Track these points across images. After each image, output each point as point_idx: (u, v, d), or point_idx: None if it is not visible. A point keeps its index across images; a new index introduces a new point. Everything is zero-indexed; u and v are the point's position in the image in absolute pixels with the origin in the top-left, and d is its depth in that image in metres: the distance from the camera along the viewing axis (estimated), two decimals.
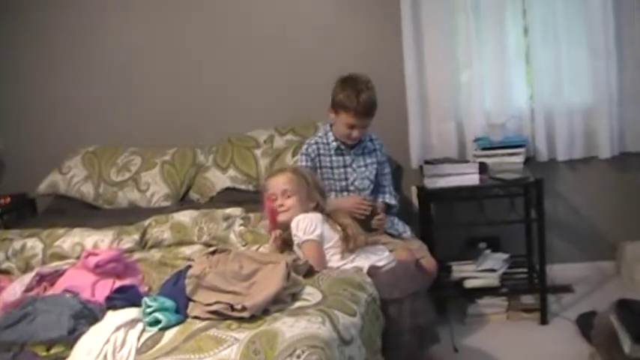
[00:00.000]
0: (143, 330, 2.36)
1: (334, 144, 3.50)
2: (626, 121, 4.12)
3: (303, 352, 2.14)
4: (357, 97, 3.32)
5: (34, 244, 3.42)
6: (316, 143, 3.53)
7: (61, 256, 3.33)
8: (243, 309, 2.33)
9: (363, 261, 2.94)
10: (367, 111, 3.36)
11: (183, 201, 4.23)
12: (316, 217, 2.99)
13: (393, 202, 3.58)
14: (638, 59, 4.03)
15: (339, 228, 2.99)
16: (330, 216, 3.05)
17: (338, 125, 3.45)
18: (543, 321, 3.78)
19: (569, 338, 3.58)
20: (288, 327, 2.25)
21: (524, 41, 4.16)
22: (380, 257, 3.00)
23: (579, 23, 4.06)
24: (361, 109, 3.33)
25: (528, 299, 3.90)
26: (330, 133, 3.53)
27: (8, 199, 4.56)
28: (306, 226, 2.94)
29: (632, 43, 4.03)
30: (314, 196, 3.07)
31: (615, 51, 4.02)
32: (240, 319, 2.33)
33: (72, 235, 3.46)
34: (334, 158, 3.50)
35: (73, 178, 4.38)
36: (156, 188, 4.21)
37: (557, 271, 4.23)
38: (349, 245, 2.94)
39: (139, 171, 4.29)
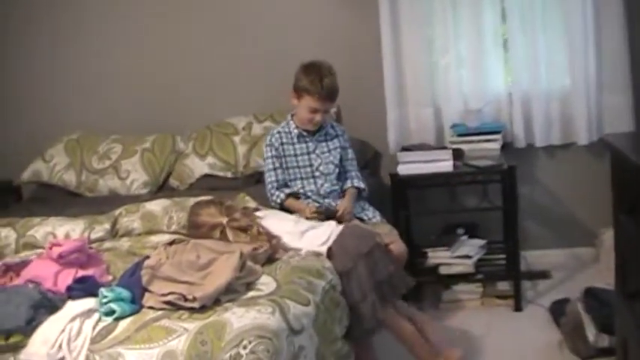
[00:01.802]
0: (99, 320, 2.39)
1: (295, 131, 3.55)
2: (604, 107, 4.09)
3: (250, 342, 2.17)
4: (320, 82, 3.38)
5: (7, 234, 3.44)
6: (278, 133, 3.57)
7: (34, 246, 3.35)
8: (194, 299, 2.35)
9: (315, 239, 3.01)
10: (330, 95, 3.43)
11: (163, 188, 4.26)
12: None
13: (362, 185, 3.60)
14: (616, 45, 3.98)
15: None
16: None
17: (300, 111, 3.50)
18: (517, 307, 3.78)
19: (541, 325, 3.58)
20: (237, 317, 2.27)
21: (502, 27, 4.14)
22: (328, 232, 3.05)
23: (557, 8, 4.04)
24: (325, 93, 3.39)
25: (504, 285, 3.90)
26: (291, 122, 3.57)
27: None
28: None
29: (610, 28, 3.98)
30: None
31: (593, 37, 3.99)
32: (192, 310, 2.35)
33: (45, 224, 3.48)
34: (297, 146, 3.54)
35: (56, 166, 4.41)
36: (135, 176, 4.24)
37: (535, 258, 4.24)
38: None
39: (119, 159, 4.31)
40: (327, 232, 3.04)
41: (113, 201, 3.95)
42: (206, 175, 4.19)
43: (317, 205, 3.45)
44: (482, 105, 4.08)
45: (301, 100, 3.45)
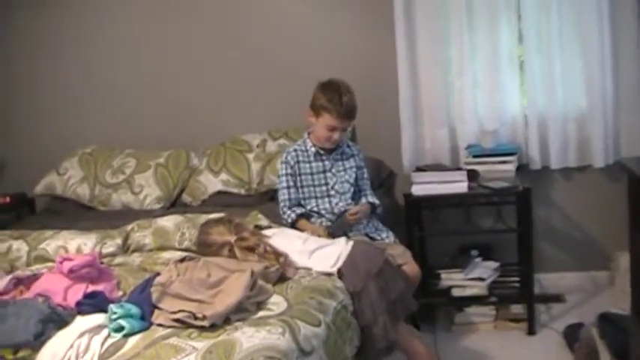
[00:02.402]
0: (108, 336, 2.37)
1: (312, 149, 3.53)
2: (620, 130, 4.06)
3: None
4: (339, 100, 3.37)
5: (19, 246, 3.43)
6: (295, 151, 3.56)
7: (45, 259, 3.35)
8: (204, 318, 2.33)
9: (325, 259, 2.97)
10: (349, 114, 3.42)
11: (175, 204, 4.26)
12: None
13: (376, 201, 3.59)
14: (633, 67, 3.97)
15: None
16: None
17: (318, 129, 3.47)
18: (531, 331, 3.74)
19: (555, 350, 3.54)
20: (247, 337, 2.24)
21: (518, 47, 4.12)
22: (338, 251, 3.00)
23: (574, 29, 4.02)
24: (344, 111, 3.38)
25: (518, 309, 3.87)
26: (307, 140, 3.55)
27: (7, 199, 4.60)
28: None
29: (627, 50, 3.97)
30: None
31: (610, 58, 3.97)
32: (202, 328, 2.33)
33: (57, 237, 3.47)
34: (313, 164, 3.52)
35: (70, 179, 4.43)
36: (149, 191, 4.24)
37: (550, 280, 4.21)
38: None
39: (133, 173, 4.32)
40: (336, 252, 3.00)
41: (126, 216, 3.94)
42: (219, 192, 4.17)
43: (328, 225, 3.43)
44: (497, 126, 4.06)
45: (319, 118, 3.43)
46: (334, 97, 3.39)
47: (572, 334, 3.51)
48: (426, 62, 4.16)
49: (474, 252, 4.06)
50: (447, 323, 3.90)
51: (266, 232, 3.17)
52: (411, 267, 3.32)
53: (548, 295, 4.12)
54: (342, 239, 3.13)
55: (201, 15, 4.50)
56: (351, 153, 3.60)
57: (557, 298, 4.12)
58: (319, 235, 3.28)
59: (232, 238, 2.94)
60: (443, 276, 3.88)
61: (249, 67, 4.49)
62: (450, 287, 3.86)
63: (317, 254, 3.00)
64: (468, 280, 3.84)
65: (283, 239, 3.10)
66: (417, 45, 4.16)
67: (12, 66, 4.78)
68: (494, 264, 3.98)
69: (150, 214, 3.84)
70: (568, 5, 3.98)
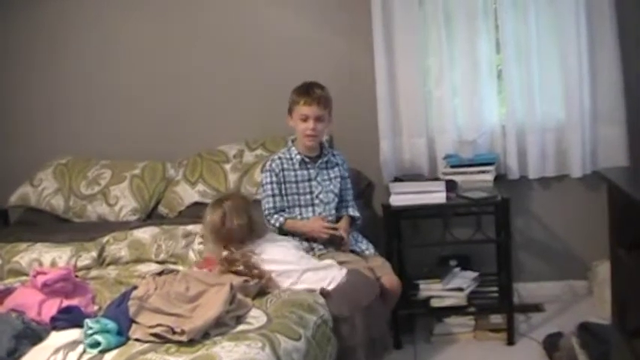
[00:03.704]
0: (83, 352, 2.33)
1: (298, 157, 3.50)
2: (598, 140, 4.06)
3: None
4: (307, 90, 3.43)
5: None
6: (279, 158, 3.52)
7: (19, 272, 3.31)
8: (182, 332, 2.29)
9: (312, 283, 2.91)
10: (318, 100, 3.41)
11: (151, 215, 4.20)
12: None
13: (356, 214, 3.57)
14: (611, 78, 3.97)
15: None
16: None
17: (296, 127, 3.48)
18: (510, 341, 3.72)
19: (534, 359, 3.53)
20: (227, 352, 2.22)
21: (497, 58, 4.13)
22: (329, 277, 2.96)
23: (552, 40, 4.02)
24: (311, 98, 3.40)
25: (497, 318, 3.84)
26: (292, 148, 3.53)
27: None
28: None
29: (605, 61, 3.97)
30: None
31: (588, 69, 3.98)
32: (180, 343, 2.29)
33: (31, 251, 3.42)
34: (298, 172, 3.49)
35: (44, 190, 4.36)
36: (124, 202, 4.18)
37: (529, 290, 4.21)
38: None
39: (108, 184, 4.26)
40: (328, 277, 2.97)
41: (101, 227, 3.91)
42: (196, 203, 4.11)
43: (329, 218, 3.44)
44: (476, 136, 4.05)
45: (293, 114, 3.46)
46: (302, 88, 3.45)
47: (551, 344, 3.51)
48: (405, 72, 4.14)
49: (453, 262, 4.05)
50: (427, 334, 3.88)
51: (261, 240, 3.10)
52: (390, 279, 3.30)
53: (527, 305, 4.11)
54: (335, 265, 3.09)
55: (179, 26, 4.47)
56: (336, 162, 3.58)
57: (536, 308, 4.11)
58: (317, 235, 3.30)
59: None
60: (422, 286, 3.85)
61: (226, 78, 4.45)
62: (429, 298, 3.83)
63: (308, 275, 2.96)
64: (446, 290, 3.82)
65: (279, 248, 3.07)
66: (396, 55, 4.14)
67: None
68: (472, 274, 3.96)
69: (126, 226, 3.79)
70: (546, 15, 3.99)
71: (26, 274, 3.23)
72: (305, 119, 3.42)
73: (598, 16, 3.94)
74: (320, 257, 3.23)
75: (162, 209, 4.22)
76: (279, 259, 2.98)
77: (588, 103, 4.02)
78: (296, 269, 2.96)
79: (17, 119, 4.74)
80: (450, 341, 3.82)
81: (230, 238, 2.99)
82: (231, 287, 2.51)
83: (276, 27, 4.38)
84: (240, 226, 3.00)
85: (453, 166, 4.00)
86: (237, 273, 2.80)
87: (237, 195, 3.14)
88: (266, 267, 2.93)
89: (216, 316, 2.36)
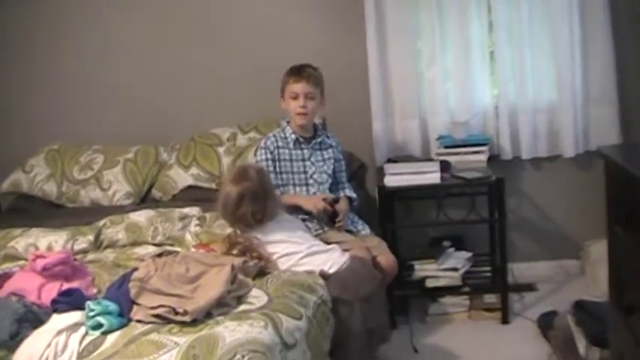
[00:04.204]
0: (85, 334, 2.33)
1: (292, 136, 3.52)
2: (590, 120, 4.10)
3: (243, 356, 2.11)
4: (298, 69, 3.49)
5: None
6: (274, 136, 3.55)
7: (14, 257, 3.28)
8: (185, 313, 2.30)
9: (313, 266, 2.92)
10: (308, 77, 3.46)
11: (145, 199, 4.20)
12: None
13: (353, 195, 3.60)
14: (602, 58, 4.00)
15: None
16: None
17: (288, 107, 3.52)
18: (504, 320, 3.76)
19: (529, 338, 3.56)
20: (230, 331, 2.22)
21: (489, 39, 4.14)
22: (331, 261, 2.97)
23: (544, 21, 4.04)
24: (301, 76, 3.46)
25: (491, 298, 3.88)
26: (287, 128, 3.55)
27: None
28: None
29: (597, 41, 4.00)
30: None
31: (579, 49, 4.01)
32: (183, 324, 2.30)
33: (27, 235, 3.41)
34: (293, 152, 3.51)
35: (36, 176, 4.33)
36: (118, 187, 4.17)
37: (521, 270, 4.24)
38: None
39: (101, 169, 4.24)
40: (330, 260, 2.98)
41: (95, 212, 3.89)
42: (190, 187, 4.12)
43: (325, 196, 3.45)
44: (469, 117, 4.07)
45: (284, 94, 3.50)
46: (293, 69, 3.50)
47: (546, 323, 3.55)
48: (397, 54, 4.16)
49: (446, 243, 4.08)
50: (421, 314, 3.90)
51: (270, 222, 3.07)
52: (387, 258, 3.32)
53: (520, 285, 4.15)
54: (338, 249, 3.09)
55: (172, 11, 4.44)
56: (330, 144, 3.61)
57: (530, 287, 4.16)
58: (313, 210, 3.32)
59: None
60: (416, 267, 3.88)
61: (218, 61, 4.43)
62: (424, 278, 3.86)
63: (311, 258, 2.97)
64: (441, 270, 3.85)
65: (285, 231, 3.06)
66: (387, 36, 4.15)
67: None
68: (466, 254, 3.99)
69: (120, 210, 3.78)
70: None
71: (22, 259, 3.23)
72: (295, 97, 3.46)
73: None
74: (317, 237, 3.24)
75: (155, 193, 4.21)
76: (284, 239, 2.99)
77: (580, 83, 4.05)
78: (299, 250, 2.97)
79: (5, 106, 4.70)
80: (445, 321, 3.85)
81: (239, 220, 3.00)
82: (232, 267, 2.52)
83: (267, 10, 4.37)
84: (252, 213, 2.99)
85: (446, 147, 4.02)
86: (236, 255, 2.81)
87: (260, 178, 3.08)
88: (270, 248, 2.94)
89: (218, 296, 2.37)
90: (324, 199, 3.40)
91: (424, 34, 4.16)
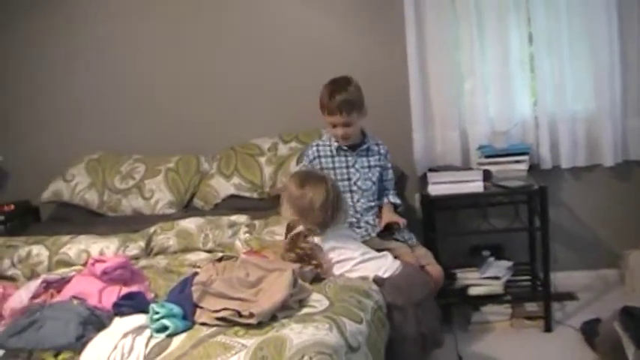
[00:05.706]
0: (150, 336, 2.36)
1: (335, 144, 3.56)
2: (629, 129, 4.13)
3: (311, 358, 2.14)
4: (329, 96, 3.44)
5: (39, 251, 3.41)
6: (317, 145, 3.60)
7: (67, 263, 3.33)
8: (251, 315, 2.33)
9: (368, 272, 2.95)
10: (341, 108, 3.43)
11: (187, 208, 4.24)
12: None
13: (398, 200, 3.64)
14: None
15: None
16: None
17: (328, 125, 3.56)
18: (547, 328, 3.78)
19: (573, 346, 3.57)
20: (296, 333, 2.25)
21: (528, 49, 4.17)
22: (385, 267, 3.00)
23: (583, 32, 4.07)
24: (334, 106, 3.43)
25: (532, 307, 3.89)
26: (331, 137, 3.59)
27: (12, 207, 4.56)
28: None
29: (635, 52, 4.04)
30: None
31: (618, 60, 4.04)
32: (248, 326, 2.33)
33: (77, 242, 3.45)
34: (336, 159, 3.55)
35: (77, 185, 4.38)
36: (160, 195, 4.22)
37: (561, 279, 4.23)
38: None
39: (143, 178, 4.29)
40: (383, 266, 3.00)
41: (138, 220, 3.94)
42: (232, 196, 4.16)
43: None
44: (509, 127, 4.10)
45: (324, 115, 3.52)
46: (327, 93, 3.47)
47: (590, 330, 3.55)
48: (437, 65, 4.20)
49: (486, 252, 4.09)
50: (464, 323, 3.93)
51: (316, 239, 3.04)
52: (434, 268, 3.36)
53: (561, 294, 4.16)
54: (390, 255, 3.11)
55: (211, 19, 4.48)
56: (378, 151, 3.62)
57: (570, 296, 4.17)
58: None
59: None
60: (458, 275, 3.91)
61: (258, 71, 4.47)
62: (466, 286, 3.88)
63: (365, 265, 2.98)
64: (483, 279, 3.87)
65: (341, 237, 3.08)
66: (427, 48, 4.19)
67: (12, 72, 4.72)
68: (507, 263, 4.01)
69: (162, 219, 3.82)
70: (577, 7, 4.04)
71: (75, 265, 3.28)
72: (334, 126, 3.49)
73: (628, 7, 4.01)
74: (364, 243, 3.26)
75: (197, 202, 4.25)
76: (339, 245, 3.01)
77: (619, 93, 4.08)
78: (353, 257, 2.99)
79: (43, 116, 4.75)
80: (488, 329, 3.87)
81: (308, 219, 2.99)
82: (293, 272, 2.55)
83: (310, 21, 4.41)
84: (324, 218, 3.01)
85: (487, 157, 4.04)
86: (292, 260, 2.84)
87: (336, 188, 3.13)
88: (326, 255, 2.97)
89: (283, 299, 2.40)
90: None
91: (464, 45, 4.20)
